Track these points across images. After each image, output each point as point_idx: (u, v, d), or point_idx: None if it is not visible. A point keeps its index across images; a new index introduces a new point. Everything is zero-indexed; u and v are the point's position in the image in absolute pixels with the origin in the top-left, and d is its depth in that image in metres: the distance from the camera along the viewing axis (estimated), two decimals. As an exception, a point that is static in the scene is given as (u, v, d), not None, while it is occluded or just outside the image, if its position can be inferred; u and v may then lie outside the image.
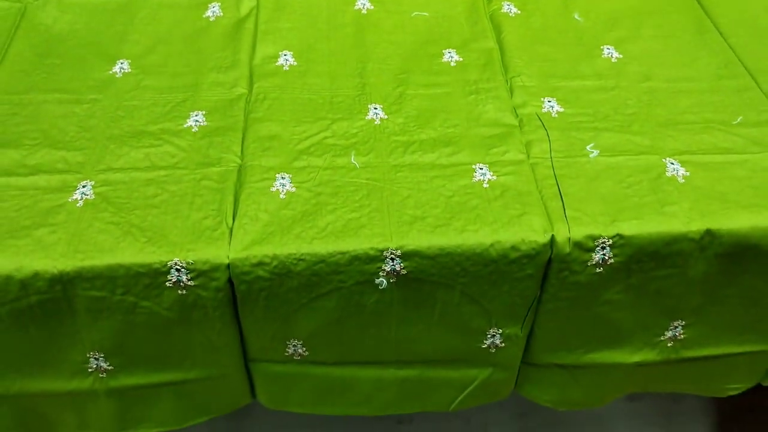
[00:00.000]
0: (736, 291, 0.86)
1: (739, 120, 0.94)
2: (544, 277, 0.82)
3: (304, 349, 0.85)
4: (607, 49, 1.05)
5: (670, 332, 0.90)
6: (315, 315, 0.81)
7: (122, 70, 0.99)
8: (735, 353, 0.94)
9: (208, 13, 1.09)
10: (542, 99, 0.96)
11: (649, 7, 1.14)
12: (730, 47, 1.06)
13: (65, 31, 1.06)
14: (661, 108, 0.96)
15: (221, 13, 1.09)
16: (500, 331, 0.86)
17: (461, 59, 1.03)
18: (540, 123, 0.92)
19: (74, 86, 0.97)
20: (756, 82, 1.00)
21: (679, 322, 0.89)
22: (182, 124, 0.91)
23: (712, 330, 0.90)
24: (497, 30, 1.09)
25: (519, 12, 1.12)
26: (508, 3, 1.14)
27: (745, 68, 1.02)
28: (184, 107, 0.94)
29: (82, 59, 1.01)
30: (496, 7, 1.13)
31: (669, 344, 0.91)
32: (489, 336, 0.87)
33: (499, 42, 1.07)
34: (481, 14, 1.12)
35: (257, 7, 1.10)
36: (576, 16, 1.12)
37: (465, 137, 0.91)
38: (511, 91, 0.98)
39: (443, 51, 1.05)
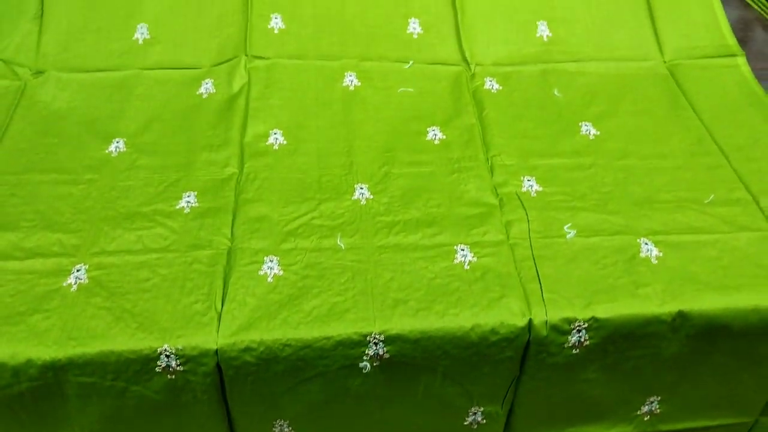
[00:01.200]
0: (708, 369, 0.89)
1: (711, 198, 0.97)
2: (523, 358, 0.84)
3: (291, 428, 0.87)
4: (585, 125, 1.10)
5: (647, 407, 0.92)
6: (301, 397, 0.83)
7: (117, 149, 1.03)
8: (710, 426, 0.96)
9: (201, 89, 1.14)
10: (522, 178, 1.00)
11: (627, 83, 1.19)
12: (703, 123, 1.11)
13: (63, 109, 1.10)
14: (637, 186, 1.00)
15: (214, 90, 1.14)
16: (481, 409, 0.88)
17: (444, 137, 1.07)
18: (519, 203, 0.96)
19: (71, 166, 1.00)
20: (727, 159, 1.04)
21: (655, 397, 0.91)
22: (175, 205, 0.94)
23: (687, 404, 0.93)
24: (479, 106, 1.13)
25: (500, 88, 1.17)
26: (491, 79, 1.18)
27: (717, 145, 1.07)
28: (177, 187, 0.97)
29: (79, 138, 1.05)
30: (478, 83, 1.17)
31: (645, 418, 0.93)
32: (471, 414, 0.89)
33: (481, 119, 1.11)
34: (464, 90, 1.17)
35: (248, 83, 1.14)
36: (555, 92, 1.16)
37: (447, 217, 0.94)
38: (492, 170, 1.02)
39: (427, 128, 1.09)
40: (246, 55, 1.17)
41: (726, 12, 1.30)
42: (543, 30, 1.26)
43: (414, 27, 1.25)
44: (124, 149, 1.03)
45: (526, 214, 0.94)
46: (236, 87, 1.14)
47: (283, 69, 1.17)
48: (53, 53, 1.18)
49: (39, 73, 1.15)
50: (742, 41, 1.29)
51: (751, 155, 1.05)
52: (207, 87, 1.14)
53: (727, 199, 0.97)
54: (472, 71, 1.20)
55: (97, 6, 1.23)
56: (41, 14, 1.21)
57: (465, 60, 1.21)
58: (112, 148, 1.03)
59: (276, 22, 1.23)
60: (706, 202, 0.97)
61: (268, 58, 1.18)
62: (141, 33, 1.21)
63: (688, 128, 1.10)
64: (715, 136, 1.08)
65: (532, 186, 0.99)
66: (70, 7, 1.22)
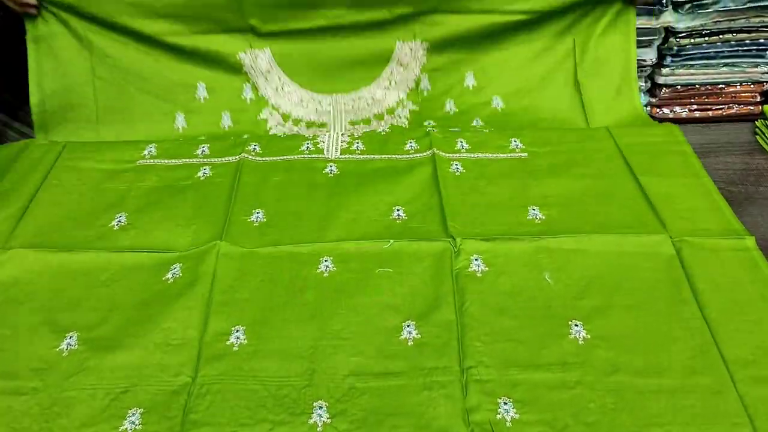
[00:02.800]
0: None
1: None
2: None
3: None
4: (576, 326, 1.00)
5: None
6: None
7: (69, 347, 0.98)
8: None
9: (168, 275, 1.08)
10: (498, 400, 0.91)
11: (626, 264, 1.09)
12: (707, 322, 1.00)
13: (22, 295, 1.05)
14: (627, 415, 0.89)
15: (180, 274, 1.08)
16: None
17: (419, 336, 0.99)
18: None
19: (17, 369, 0.95)
20: (732, 379, 0.93)
21: None
22: (118, 426, 0.88)
23: None
24: (461, 294, 1.05)
25: (487, 269, 1.08)
26: (477, 257, 1.10)
27: (721, 356, 0.96)
28: (123, 402, 0.91)
29: (33, 330, 1.00)
30: (463, 264, 1.09)
31: None
32: None
33: (461, 313, 1.02)
34: (446, 273, 1.08)
35: (216, 273, 1.08)
36: (546, 277, 1.07)
37: (410, 454, 0.85)
38: (466, 387, 0.93)
39: (403, 323, 1.01)
40: (221, 241, 1.12)
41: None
42: (535, 213, 1.19)
43: (398, 213, 1.19)
44: (76, 346, 0.98)
45: None
46: (204, 274, 1.08)
47: (256, 257, 1.11)
48: (26, 235, 1.15)
49: (3, 250, 1.11)
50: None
51: (759, 374, 0.94)
52: (174, 272, 1.08)
53: (728, 437, 0.86)
54: (457, 247, 1.11)
55: (83, 201, 1.23)
56: (26, 208, 1.20)
57: (449, 234, 1.14)
58: (63, 345, 0.98)
59: (257, 216, 1.19)
60: None
61: (243, 247, 1.12)
62: (118, 221, 1.18)
63: (691, 332, 0.99)
64: (720, 345, 0.97)
65: (508, 412, 0.89)
66: (56, 202, 1.23)
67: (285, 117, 1.49)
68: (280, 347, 0.98)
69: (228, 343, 0.98)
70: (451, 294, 1.05)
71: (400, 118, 1.49)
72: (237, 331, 1.00)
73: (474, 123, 1.47)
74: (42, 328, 1.01)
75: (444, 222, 1.17)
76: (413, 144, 1.38)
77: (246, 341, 0.99)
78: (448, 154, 1.34)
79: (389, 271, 1.08)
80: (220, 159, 1.34)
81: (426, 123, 1.47)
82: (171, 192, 1.26)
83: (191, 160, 1.34)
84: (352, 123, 1.48)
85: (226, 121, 1.47)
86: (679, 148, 1.35)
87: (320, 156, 1.36)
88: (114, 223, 1.18)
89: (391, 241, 1.13)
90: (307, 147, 1.38)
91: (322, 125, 1.48)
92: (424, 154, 1.35)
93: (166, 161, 1.34)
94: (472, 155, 1.35)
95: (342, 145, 1.38)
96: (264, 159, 1.34)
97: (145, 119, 1.44)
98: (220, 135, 1.45)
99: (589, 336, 0.99)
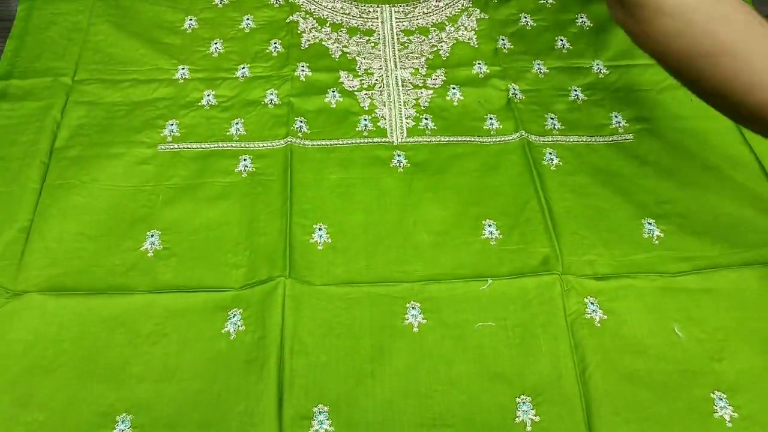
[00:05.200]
0: None
1: None
2: None
3: None
4: (721, 401, 0.85)
5: None
6: None
7: None
8: None
9: (228, 326, 0.89)
10: None
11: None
12: None
13: (47, 360, 0.86)
14: None
15: (242, 327, 0.89)
16: None
17: (538, 419, 0.83)
18: None
19: None
20: None
21: None
22: None
23: None
24: (580, 356, 0.89)
25: (605, 318, 0.92)
26: (592, 301, 0.93)
27: None
28: None
29: (75, 411, 0.82)
30: (577, 307, 0.92)
31: None
32: None
33: (584, 383, 0.86)
34: (560, 322, 0.91)
35: (283, 321, 0.89)
36: (676, 331, 0.91)
37: None
38: None
39: (516, 400, 0.85)
40: (287, 278, 0.91)
41: None
42: (651, 229, 0.98)
43: (491, 231, 0.98)
44: (128, 438, 0.80)
45: None
46: (272, 327, 0.88)
47: (330, 301, 0.91)
48: (37, 267, 0.92)
49: (16, 295, 0.90)
50: None
51: None
52: (235, 321, 0.89)
53: None
54: (568, 287, 0.93)
55: (98, 209, 0.99)
56: (32, 219, 0.96)
57: (560, 262, 0.95)
58: (114, 435, 0.80)
59: (321, 236, 0.96)
60: None
61: (312, 283, 0.91)
62: (151, 243, 0.95)
63: None
64: None
65: None
66: (66, 208, 0.98)
67: (321, 21, 1.26)
68: (368, 432, 0.82)
69: (311, 431, 0.82)
70: (569, 354, 0.88)
71: (466, 30, 1.26)
72: (320, 413, 0.83)
73: (558, 44, 1.25)
74: (84, 408, 0.82)
75: (549, 243, 0.97)
76: (495, 122, 1.14)
77: (333, 429, 0.82)
78: (539, 138, 1.11)
79: (491, 325, 0.90)
80: (262, 144, 1.09)
81: (499, 39, 1.25)
82: (209, 196, 1.02)
83: (226, 144, 1.09)
84: (406, 33, 1.24)
85: (248, 23, 1.25)
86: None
87: (383, 140, 1.11)
88: (146, 245, 0.96)
89: (490, 280, 0.93)
90: (365, 125, 1.13)
91: (368, 32, 1.24)
92: (511, 137, 1.11)
93: (194, 146, 1.09)
94: (567, 139, 1.12)
95: (408, 123, 1.13)
96: (315, 143, 1.10)
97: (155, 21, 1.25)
98: (240, 37, 1.24)
99: (736, 415, 0.84)
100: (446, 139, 1.11)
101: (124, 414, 0.82)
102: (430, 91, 1.18)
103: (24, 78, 1.16)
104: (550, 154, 1.09)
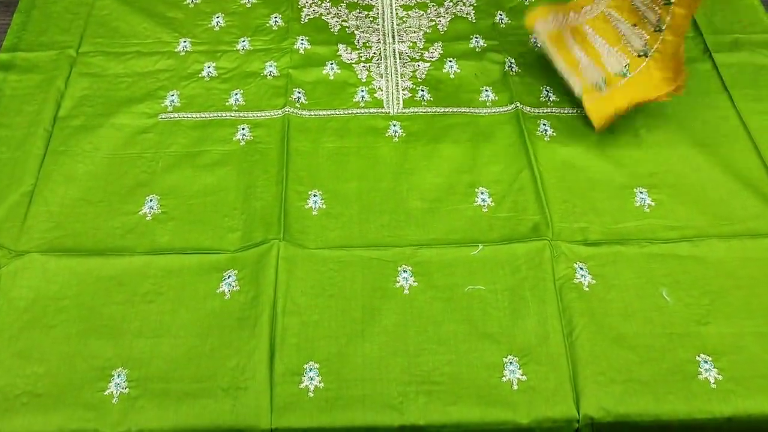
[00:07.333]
0: None
1: None
2: None
3: None
4: (705, 364, 0.86)
5: None
6: None
7: (118, 390, 0.83)
8: None
9: (223, 286, 0.91)
10: None
11: (755, 280, 0.93)
12: None
13: (48, 316, 0.89)
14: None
15: (237, 287, 0.91)
16: None
17: (525, 378, 0.85)
18: None
19: (61, 420, 0.80)
20: None
21: None
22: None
23: None
24: (568, 320, 0.90)
25: (594, 283, 0.93)
26: (582, 266, 0.94)
27: None
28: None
29: (72, 366, 0.85)
30: (566, 272, 0.94)
31: None
32: None
33: (571, 346, 0.88)
34: (548, 286, 0.92)
35: (276, 282, 0.91)
36: (664, 295, 0.92)
37: None
38: None
39: (503, 360, 0.86)
40: (280, 240, 0.93)
41: None
42: (643, 198, 0.99)
43: (483, 198, 0.99)
44: (127, 390, 0.83)
45: None
46: (266, 288, 0.90)
47: (323, 263, 0.93)
48: (39, 230, 0.95)
49: (18, 255, 0.93)
50: None
51: None
52: (230, 282, 0.91)
53: None
54: (557, 252, 0.94)
55: (100, 175, 1.01)
56: (35, 184, 1.00)
57: (547, 230, 0.96)
58: (112, 388, 0.83)
59: (315, 201, 0.98)
60: None
61: (306, 247, 0.93)
62: (150, 207, 0.97)
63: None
64: None
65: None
66: (69, 174, 1.01)
67: None
68: (362, 393, 0.83)
69: (302, 386, 0.84)
70: (556, 316, 0.89)
71: (464, 5, 1.28)
72: (310, 370, 0.85)
73: None
74: (81, 363, 0.85)
75: (540, 211, 0.98)
76: (490, 94, 1.15)
77: (322, 385, 0.84)
78: (533, 109, 1.12)
79: (481, 288, 0.91)
80: (260, 114, 1.11)
81: (497, 14, 1.27)
82: (207, 163, 1.05)
83: (225, 114, 1.11)
84: (405, 8, 1.26)
85: None
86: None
87: (380, 111, 1.13)
88: (145, 209, 0.98)
89: (481, 246, 0.95)
90: (362, 97, 1.15)
91: (368, 7, 1.26)
92: (506, 109, 1.12)
93: (193, 115, 1.11)
94: (562, 110, 1.13)
95: (404, 95, 1.15)
96: (312, 113, 1.11)
97: None
98: (242, 11, 1.27)
99: (721, 377, 0.85)
100: (442, 110, 1.13)
101: (120, 368, 0.84)
102: (427, 64, 1.20)
103: (30, 51, 1.18)
104: (544, 125, 1.10)
